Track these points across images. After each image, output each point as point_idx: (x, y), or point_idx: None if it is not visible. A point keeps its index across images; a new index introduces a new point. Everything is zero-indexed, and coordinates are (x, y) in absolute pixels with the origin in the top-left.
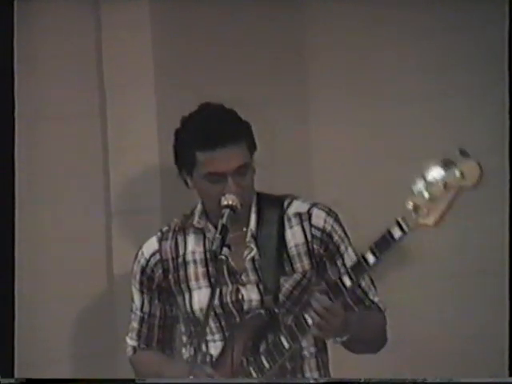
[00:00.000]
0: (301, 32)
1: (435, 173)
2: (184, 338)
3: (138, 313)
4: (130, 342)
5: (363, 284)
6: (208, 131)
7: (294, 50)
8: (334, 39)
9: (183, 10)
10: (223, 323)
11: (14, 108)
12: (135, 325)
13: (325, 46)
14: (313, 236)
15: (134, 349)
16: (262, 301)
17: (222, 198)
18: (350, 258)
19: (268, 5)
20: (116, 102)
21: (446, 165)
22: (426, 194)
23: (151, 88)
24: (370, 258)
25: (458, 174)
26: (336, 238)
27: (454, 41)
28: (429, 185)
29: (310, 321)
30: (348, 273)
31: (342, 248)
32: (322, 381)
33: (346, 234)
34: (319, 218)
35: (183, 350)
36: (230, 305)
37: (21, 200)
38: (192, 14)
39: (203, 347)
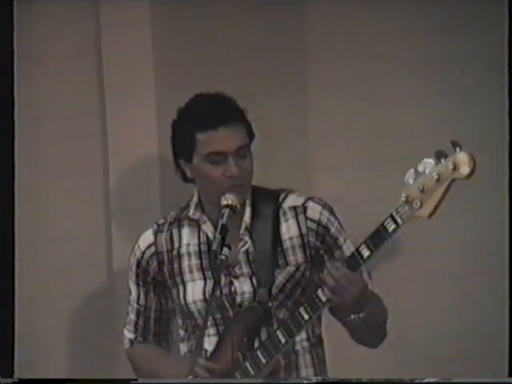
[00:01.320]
0: (300, 33)
1: (428, 165)
2: (181, 332)
3: (135, 305)
4: (128, 334)
5: (363, 275)
6: (208, 112)
7: (294, 49)
8: (333, 40)
9: (183, 10)
10: (216, 316)
11: (13, 108)
12: (132, 316)
13: (324, 47)
14: (308, 229)
15: (131, 342)
16: (254, 293)
17: (222, 198)
18: (349, 250)
19: (268, 5)
20: (116, 101)
21: (439, 157)
22: (419, 186)
23: (151, 88)
24: (365, 252)
25: (450, 165)
26: (333, 230)
27: (454, 41)
28: (421, 177)
29: (323, 296)
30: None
31: (341, 240)
32: (314, 380)
33: (342, 226)
34: (315, 210)
35: (181, 346)
36: (223, 297)
37: (21, 200)
38: (192, 14)
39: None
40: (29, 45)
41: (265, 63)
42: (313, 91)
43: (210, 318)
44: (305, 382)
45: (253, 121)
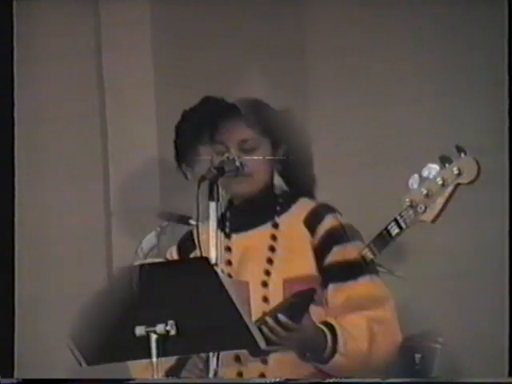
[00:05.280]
0: (301, 32)
1: (432, 169)
2: None
3: None
4: None
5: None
6: (211, 126)
7: (294, 49)
8: (333, 40)
9: (183, 10)
10: None
11: (13, 108)
12: None
13: (324, 47)
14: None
15: None
16: None
17: None
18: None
19: (268, 5)
20: (115, 101)
21: (443, 161)
22: (424, 191)
23: (151, 88)
24: (368, 256)
25: (455, 170)
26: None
27: (454, 41)
28: (426, 181)
29: None
30: None
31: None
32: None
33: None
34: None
35: None
36: None
37: (21, 200)
38: (192, 13)
39: None
40: (29, 45)
41: (265, 63)
42: (313, 92)
43: None
44: (303, 382)
45: None
